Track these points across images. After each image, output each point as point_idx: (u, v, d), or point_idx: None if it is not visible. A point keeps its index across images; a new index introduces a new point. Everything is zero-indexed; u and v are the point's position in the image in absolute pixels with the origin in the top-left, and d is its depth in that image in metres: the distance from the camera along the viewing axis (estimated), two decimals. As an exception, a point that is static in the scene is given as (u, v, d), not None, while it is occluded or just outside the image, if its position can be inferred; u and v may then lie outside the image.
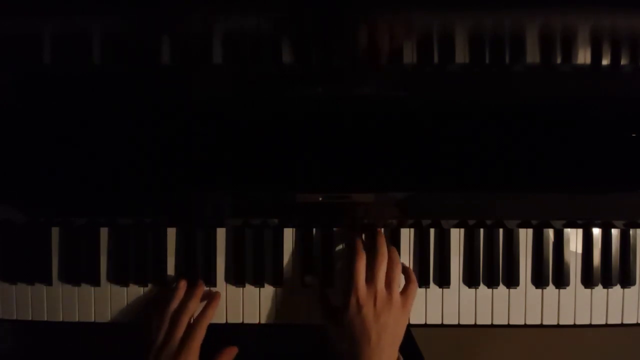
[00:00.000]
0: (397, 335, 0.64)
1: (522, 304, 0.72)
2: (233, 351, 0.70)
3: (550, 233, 0.72)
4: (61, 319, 0.73)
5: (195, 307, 0.69)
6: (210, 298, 0.71)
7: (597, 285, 0.72)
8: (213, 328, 0.72)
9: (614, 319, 0.73)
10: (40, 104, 0.70)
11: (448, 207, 0.72)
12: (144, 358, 0.67)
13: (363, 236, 0.71)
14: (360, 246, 0.67)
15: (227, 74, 0.68)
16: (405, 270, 0.70)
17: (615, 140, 0.69)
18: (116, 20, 0.56)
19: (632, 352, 1.34)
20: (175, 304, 0.69)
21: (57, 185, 0.70)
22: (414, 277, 0.69)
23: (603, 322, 0.73)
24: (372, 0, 0.52)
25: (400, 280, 0.68)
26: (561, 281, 0.72)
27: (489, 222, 0.73)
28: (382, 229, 0.71)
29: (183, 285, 0.70)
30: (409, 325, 0.72)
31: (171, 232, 0.73)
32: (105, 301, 0.73)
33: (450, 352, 1.32)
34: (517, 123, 0.69)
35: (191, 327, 0.68)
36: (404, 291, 0.67)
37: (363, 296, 0.62)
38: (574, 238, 0.73)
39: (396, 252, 0.69)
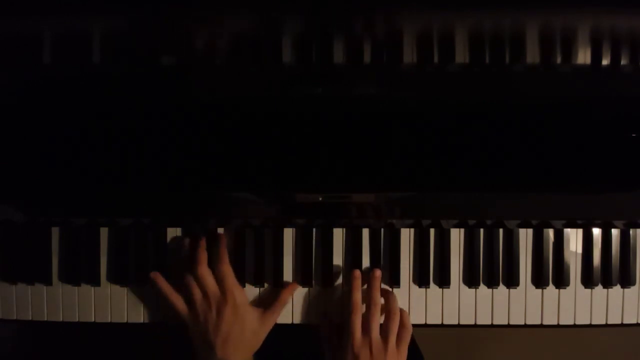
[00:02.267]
0: None
1: (522, 304, 0.72)
2: (295, 286, 0.72)
3: (550, 233, 0.72)
4: (61, 319, 0.73)
5: (204, 254, 0.69)
6: (216, 241, 0.71)
7: (597, 285, 0.72)
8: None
9: (614, 319, 0.72)
10: (40, 104, 0.70)
11: (448, 207, 0.72)
12: (194, 327, 0.68)
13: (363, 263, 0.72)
14: (357, 298, 0.69)
15: (228, 74, 0.68)
16: (401, 316, 0.71)
17: (615, 140, 0.69)
18: (116, 20, 0.56)
19: (632, 352, 1.34)
20: (186, 263, 0.69)
21: (57, 185, 0.70)
22: (408, 322, 0.71)
23: (603, 322, 0.73)
24: (372, 0, 0.52)
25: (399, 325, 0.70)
26: (561, 281, 0.72)
27: (489, 222, 0.73)
28: (379, 274, 0.70)
29: (186, 243, 0.71)
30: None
31: (171, 232, 0.73)
32: (105, 301, 0.73)
33: (450, 352, 1.32)
34: (517, 123, 0.69)
35: (217, 271, 0.68)
36: (398, 336, 0.69)
37: (358, 346, 0.67)
38: (574, 238, 0.73)
39: (395, 301, 0.70)
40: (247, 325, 0.68)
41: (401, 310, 0.71)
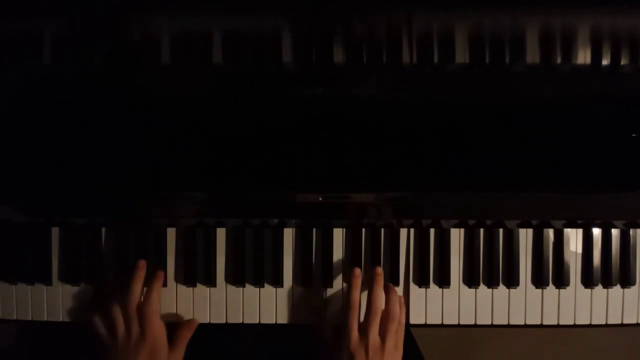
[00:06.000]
0: None
1: (522, 304, 0.72)
2: (193, 323, 0.71)
3: (550, 233, 0.72)
4: (61, 319, 0.73)
5: (138, 289, 0.69)
6: (153, 276, 0.71)
7: (597, 285, 0.72)
8: (212, 328, 0.72)
9: (614, 319, 0.73)
10: (40, 105, 0.70)
11: (448, 207, 0.72)
12: (110, 353, 0.67)
13: (363, 265, 0.72)
14: (355, 297, 0.68)
15: (227, 74, 0.68)
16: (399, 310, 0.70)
17: (615, 140, 0.69)
18: (114, 20, 0.56)
19: (632, 352, 1.34)
20: (117, 295, 0.69)
21: (57, 185, 0.70)
22: (402, 318, 0.70)
23: (603, 322, 0.73)
24: (372, 0, 0.53)
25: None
26: (561, 281, 0.72)
27: (489, 222, 0.73)
28: (381, 271, 0.70)
29: (142, 265, 0.70)
30: (409, 325, 0.72)
31: (171, 232, 0.73)
32: (105, 301, 0.73)
33: (450, 352, 1.32)
34: (517, 123, 0.69)
35: (144, 311, 0.68)
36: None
37: (355, 345, 0.66)
38: (574, 238, 0.73)
39: (396, 302, 0.69)
40: None
41: (401, 307, 0.71)
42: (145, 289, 0.70)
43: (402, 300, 0.72)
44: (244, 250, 0.72)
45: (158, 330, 0.68)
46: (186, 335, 0.71)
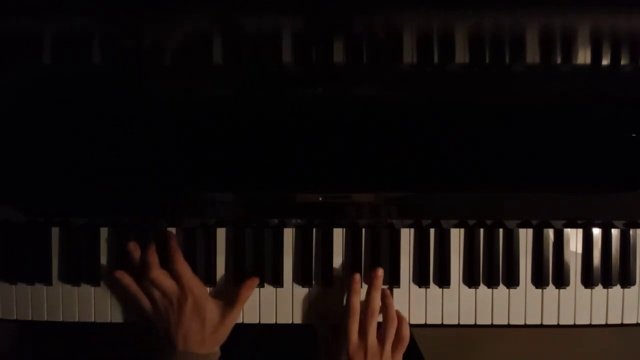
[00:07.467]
0: None
1: (522, 304, 0.72)
2: (254, 281, 0.71)
3: (550, 233, 0.72)
4: (61, 319, 0.73)
5: (154, 257, 0.69)
6: (166, 240, 0.71)
7: (597, 285, 0.72)
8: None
9: (614, 319, 0.73)
10: (40, 104, 0.70)
11: (448, 207, 0.72)
12: (157, 324, 0.69)
13: (362, 272, 0.72)
14: (355, 303, 0.68)
15: (228, 74, 0.68)
16: (400, 325, 0.70)
17: (615, 140, 0.69)
18: (115, 19, 0.56)
19: (632, 352, 1.34)
20: (134, 267, 0.70)
21: (57, 185, 0.70)
22: (406, 334, 0.70)
23: (603, 322, 0.73)
24: (372, 0, 0.53)
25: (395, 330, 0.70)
26: (561, 281, 0.72)
27: (489, 222, 0.73)
28: (381, 273, 0.70)
29: (133, 247, 0.71)
30: (409, 326, 0.72)
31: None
32: (105, 301, 0.73)
33: (450, 352, 1.32)
34: (517, 123, 0.69)
35: (172, 271, 0.68)
36: (394, 345, 0.69)
37: (354, 349, 0.67)
38: (574, 238, 0.73)
39: (393, 310, 0.69)
40: (207, 320, 0.68)
41: (401, 319, 0.71)
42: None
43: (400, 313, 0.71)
44: (244, 250, 0.72)
45: (193, 280, 0.68)
46: (246, 293, 0.70)
